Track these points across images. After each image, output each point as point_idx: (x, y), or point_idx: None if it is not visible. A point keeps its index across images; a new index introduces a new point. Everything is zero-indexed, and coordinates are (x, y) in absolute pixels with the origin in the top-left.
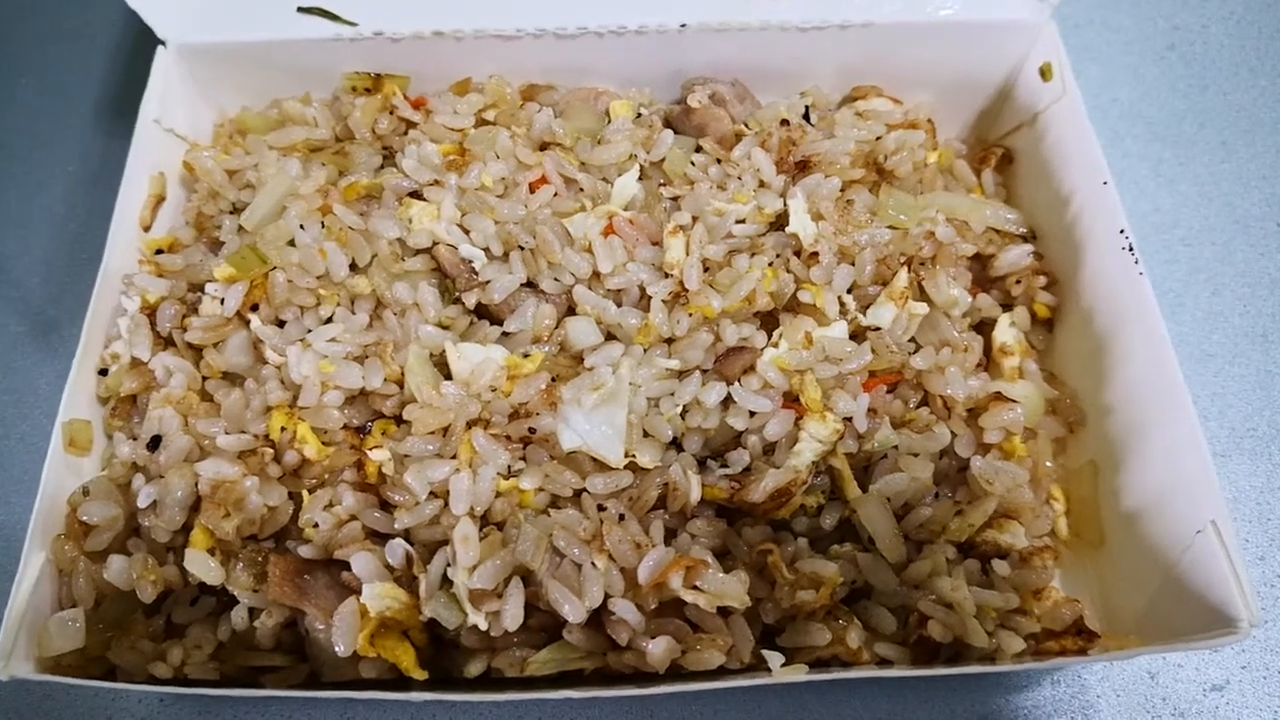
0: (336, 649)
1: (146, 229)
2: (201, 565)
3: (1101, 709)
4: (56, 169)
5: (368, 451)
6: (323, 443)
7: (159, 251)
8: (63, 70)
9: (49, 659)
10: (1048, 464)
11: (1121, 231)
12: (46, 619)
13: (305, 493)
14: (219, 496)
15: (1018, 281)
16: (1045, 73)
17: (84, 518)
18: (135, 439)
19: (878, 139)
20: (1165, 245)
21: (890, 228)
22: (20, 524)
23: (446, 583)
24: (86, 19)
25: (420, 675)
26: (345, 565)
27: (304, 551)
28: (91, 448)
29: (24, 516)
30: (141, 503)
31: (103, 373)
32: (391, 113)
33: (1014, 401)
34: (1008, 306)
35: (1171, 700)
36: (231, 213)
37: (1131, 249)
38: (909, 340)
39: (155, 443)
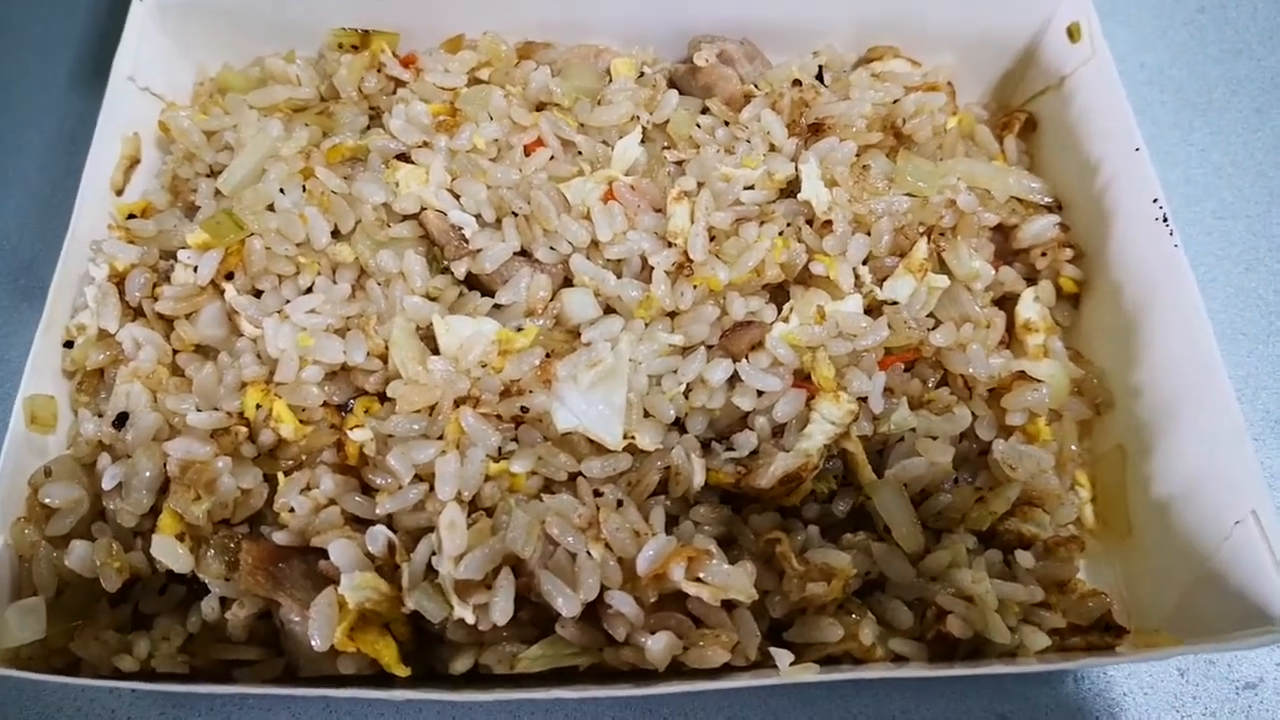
0: (313, 643)
1: (119, 192)
2: (169, 552)
3: (1128, 707)
4: (31, 130)
5: (348, 431)
6: (301, 421)
7: (131, 216)
8: (38, 26)
9: (8, 651)
10: (1073, 447)
11: (1155, 201)
12: (5, 608)
13: (281, 475)
14: (189, 478)
15: (1043, 254)
16: (1073, 33)
17: (45, 500)
18: (101, 416)
19: (895, 102)
20: (1196, 218)
21: (908, 195)
22: None
23: (431, 572)
24: None
25: (402, 672)
26: (323, 553)
27: (279, 538)
28: (56, 424)
29: None
30: (106, 484)
31: (68, 345)
32: (379, 71)
33: (1038, 381)
34: (1031, 280)
35: (1202, 699)
36: (209, 176)
37: (1166, 220)
38: (927, 315)
39: (122, 420)
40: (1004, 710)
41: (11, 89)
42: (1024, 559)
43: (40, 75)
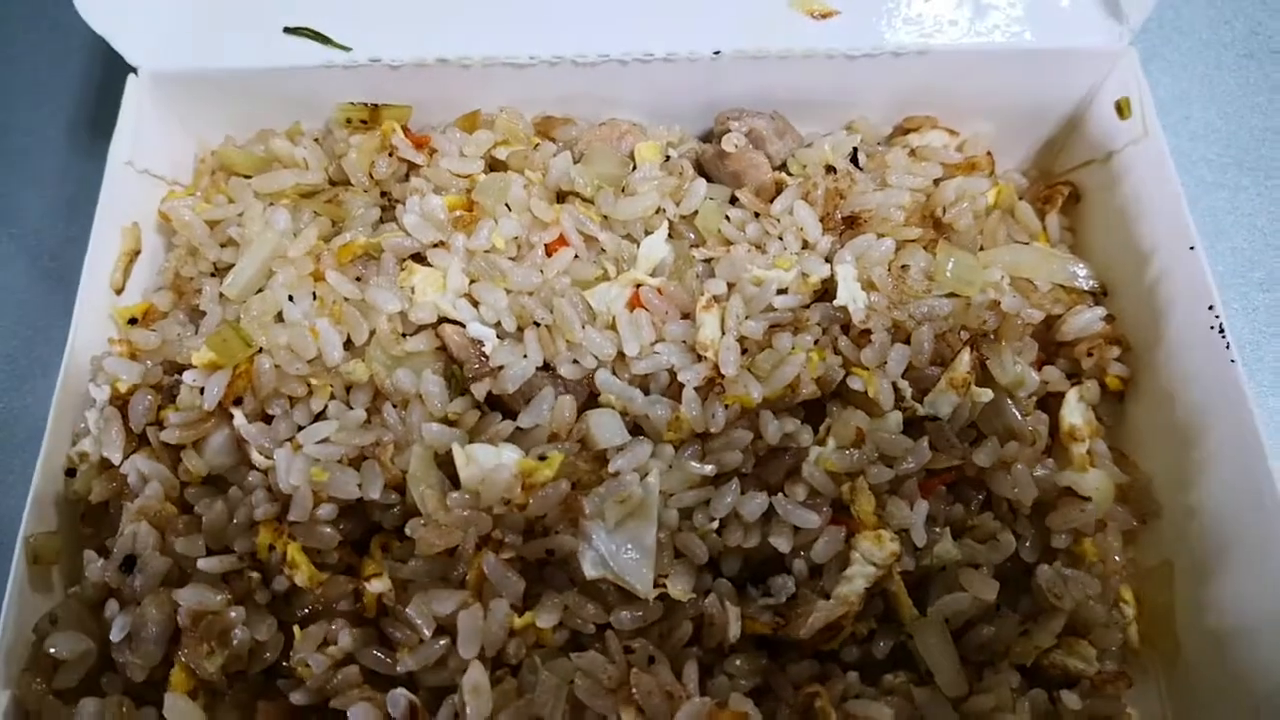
0: None
1: (119, 292)
2: (182, 713)
3: None
4: (28, 190)
5: (366, 582)
6: (316, 565)
7: (132, 321)
8: (32, 83)
9: None
10: (1116, 558)
11: (1210, 308)
12: None
13: (297, 628)
14: (201, 630)
15: (1089, 353)
16: (1122, 109)
17: (51, 650)
18: (107, 554)
19: (935, 182)
20: (1241, 292)
21: (949, 296)
22: None
23: None
24: (62, 42)
25: None
26: (342, 714)
27: (295, 698)
28: (59, 558)
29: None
30: (115, 636)
31: (70, 473)
32: (391, 154)
33: (1085, 499)
34: (1074, 375)
35: None
36: (213, 274)
37: (1222, 331)
38: (970, 426)
39: (129, 564)
40: None
41: (6, 146)
42: (1069, 700)
43: (36, 132)
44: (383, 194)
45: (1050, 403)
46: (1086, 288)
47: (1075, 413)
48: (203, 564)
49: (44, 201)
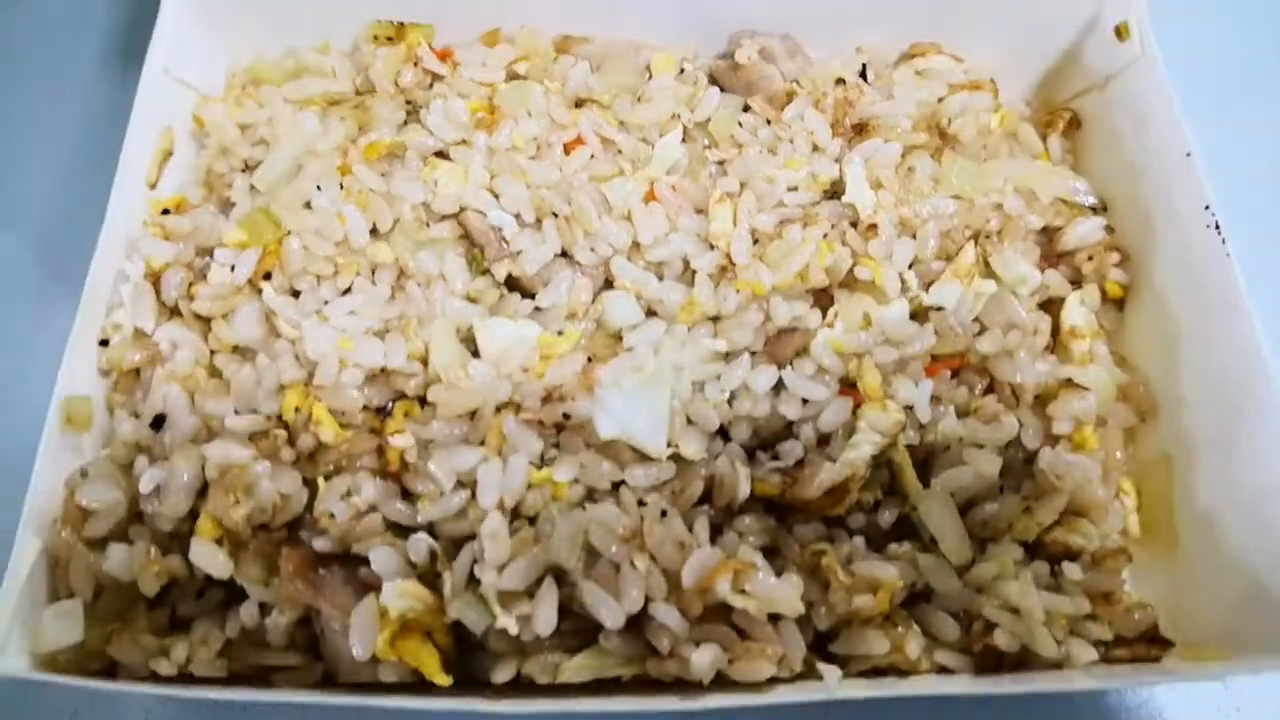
0: (354, 652)
1: (152, 186)
2: (208, 558)
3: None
4: (60, 112)
5: (389, 438)
6: (340, 425)
7: (165, 212)
8: (61, 6)
9: (45, 654)
10: (1118, 454)
11: (1207, 208)
12: (42, 610)
13: (321, 480)
14: (228, 482)
15: (1089, 258)
16: (1121, 32)
17: (82, 502)
18: (138, 417)
19: (940, 100)
20: (1245, 219)
21: (954, 197)
22: (17, 501)
23: (473, 581)
24: None
25: (445, 681)
26: (363, 559)
27: (319, 544)
28: (91, 424)
29: (20, 493)
30: (144, 488)
31: (104, 343)
32: (416, 64)
33: (1085, 389)
34: (1076, 283)
35: (1246, 710)
36: (244, 170)
37: (1218, 228)
38: (973, 321)
39: (159, 422)
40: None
41: (36, 70)
42: (1071, 571)
43: (65, 57)
44: (407, 103)
45: (1052, 308)
46: (1087, 203)
47: (1076, 314)
48: (230, 422)
49: (74, 116)
